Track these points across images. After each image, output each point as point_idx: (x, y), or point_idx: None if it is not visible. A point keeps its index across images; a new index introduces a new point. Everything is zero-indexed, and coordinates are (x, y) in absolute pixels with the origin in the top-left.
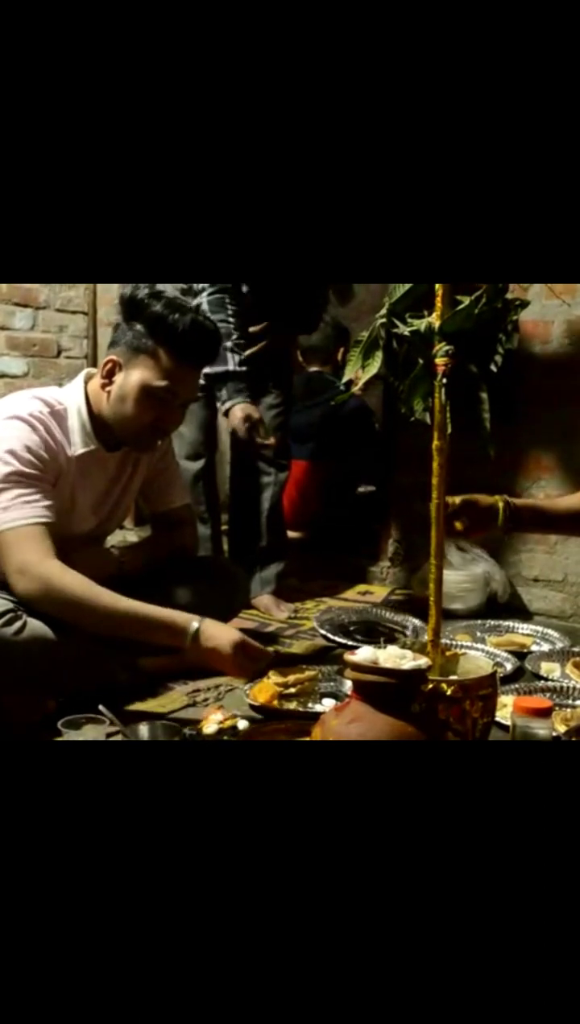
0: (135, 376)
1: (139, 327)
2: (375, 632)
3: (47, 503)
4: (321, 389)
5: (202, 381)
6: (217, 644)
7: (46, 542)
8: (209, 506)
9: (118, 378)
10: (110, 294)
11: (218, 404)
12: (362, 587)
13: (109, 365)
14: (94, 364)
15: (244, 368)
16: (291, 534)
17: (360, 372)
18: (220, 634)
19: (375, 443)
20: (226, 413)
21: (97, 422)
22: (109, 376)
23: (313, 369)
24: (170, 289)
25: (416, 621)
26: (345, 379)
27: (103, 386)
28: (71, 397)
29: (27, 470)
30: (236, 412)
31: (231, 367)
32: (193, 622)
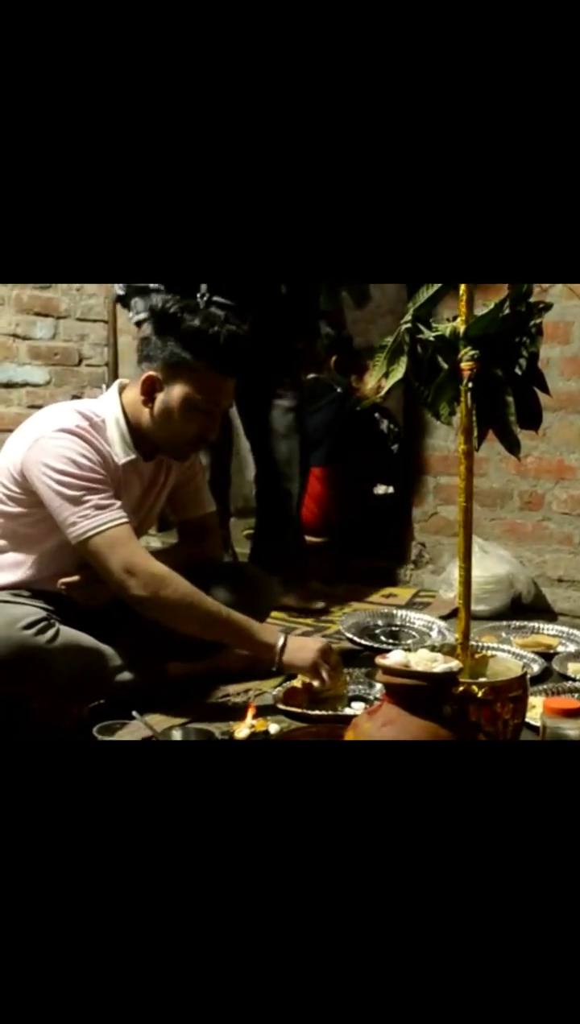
0: (178, 391)
1: (174, 341)
2: (401, 635)
3: (120, 505)
4: (322, 394)
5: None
6: (304, 648)
7: (139, 543)
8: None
9: (160, 395)
10: None
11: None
12: (386, 590)
13: (149, 382)
14: (115, 371)
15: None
16: (313, 539)
17: (384, 379)
18: (305, 643)
19: (385, 442)
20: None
21: (134, 432)
22: (149, 393)
23: (310, 376)
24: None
25: (441, 623)
26: (370, 385)
27: (143, 402)
28: (107, 409)
29: (92, 475)
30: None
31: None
32: (279, 634)
